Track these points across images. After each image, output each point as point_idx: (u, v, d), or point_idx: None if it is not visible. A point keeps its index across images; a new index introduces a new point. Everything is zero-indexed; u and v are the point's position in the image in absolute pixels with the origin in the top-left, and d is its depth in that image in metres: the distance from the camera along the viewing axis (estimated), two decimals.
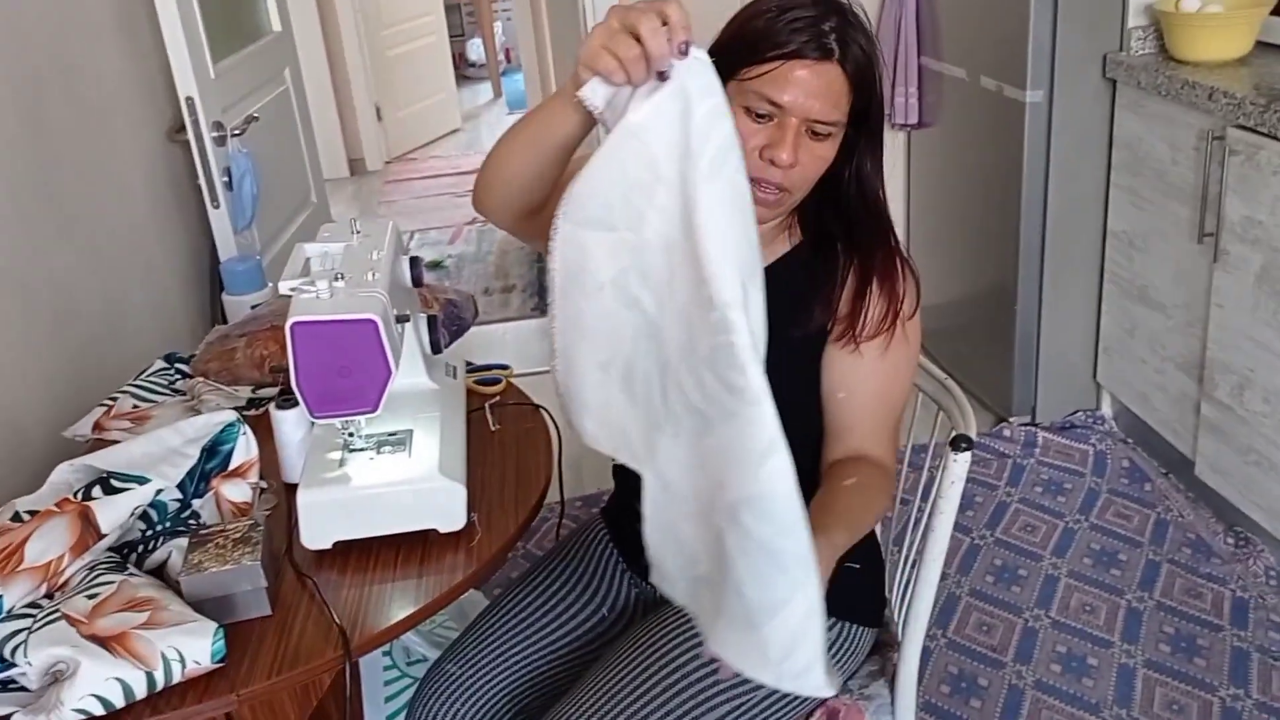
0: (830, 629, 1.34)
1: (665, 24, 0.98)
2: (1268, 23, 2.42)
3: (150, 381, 1.75)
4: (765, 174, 1.23)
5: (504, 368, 1.77)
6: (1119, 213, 2.65)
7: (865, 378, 1.29)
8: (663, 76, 0.99)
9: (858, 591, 1.40)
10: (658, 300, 1.03)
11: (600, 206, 1.04)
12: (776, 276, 1.34)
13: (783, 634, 0.96)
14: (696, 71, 0.99)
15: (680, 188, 0.98)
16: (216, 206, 2.48)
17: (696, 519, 1.03)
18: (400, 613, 1.25)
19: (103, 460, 1.31)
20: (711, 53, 1.27)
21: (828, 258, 1.32)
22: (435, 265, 4.63)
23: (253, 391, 1.74)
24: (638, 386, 1.07)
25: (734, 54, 1.23)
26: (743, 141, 1.22)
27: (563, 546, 1.58)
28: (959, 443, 1.26)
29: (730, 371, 0.95)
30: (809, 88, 1.19)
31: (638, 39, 0.98)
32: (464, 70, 8.23)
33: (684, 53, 0.98)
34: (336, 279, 1.29)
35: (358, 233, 1.48)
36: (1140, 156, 2.53)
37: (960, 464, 1.26)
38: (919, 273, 1.34)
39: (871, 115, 1.27)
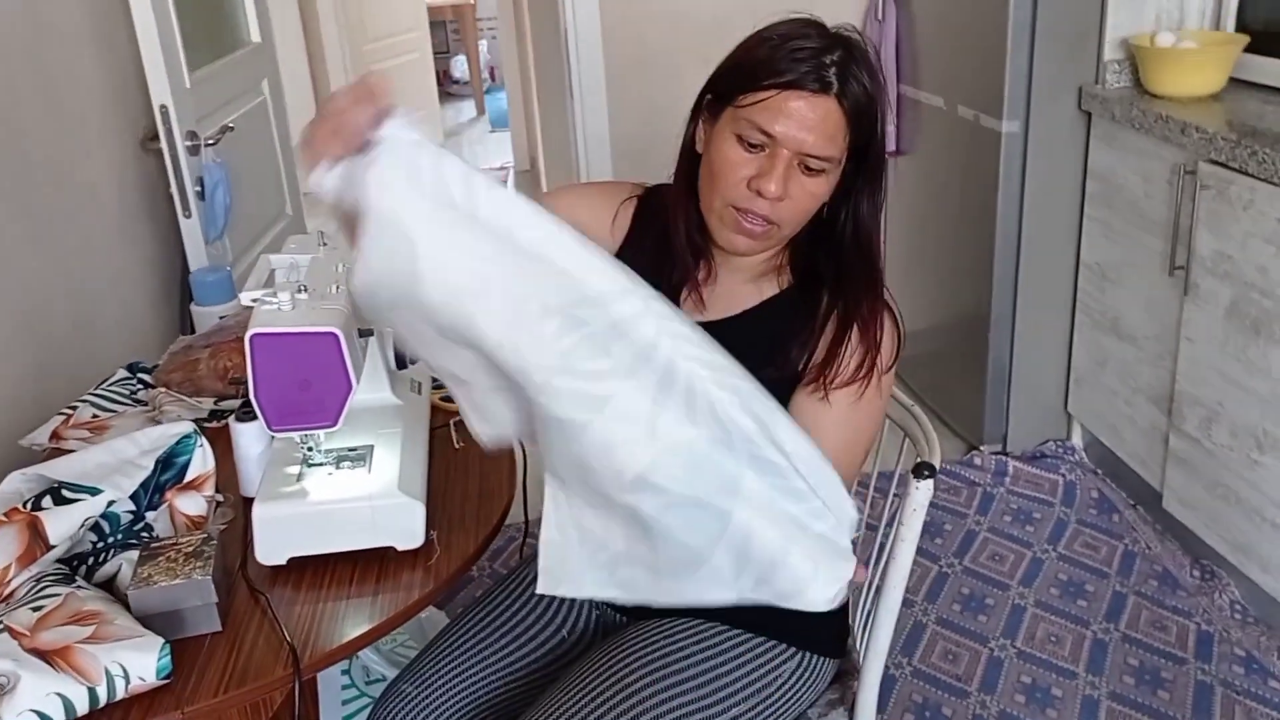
0: (790, 659, 1.33)
1: (363, 99, 0.99)
2: (1241, 60, 2.44)
3: (111, 391, 1.73)
4: (752, 205, 1.21)
5: None
6: (1092, 244, 2.67)
7: (832, 427, 1.24)
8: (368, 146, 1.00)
9: (819, 622, 1.38)
10: (485, 339, 1.03)
11: (386, 290, 1.04)
12: (760, 317, 1.33)
13: (730, 554, 1.02)
14: (401, 128, 1.00)
15: (473, 229, 1.00)
16: (188, 216, 2.46)
17: (599, 508, 1.07)
18: (354, 631, 1.23)
19: (55, 470, 1.29)
20: (712, 78, 1.28)
21: (812, 302, 1.29)
22: None
23: (215, 403, 1.72)
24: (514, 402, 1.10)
25: (733, 81, 1.22)
26: (732, 170, 1.21)
27: (524, 567, 1.56)
28: (921, 470, 1.25)
29: (590, 362, 0.98)
30: (803, 120, 1.17)
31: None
32: (448, 87, 8.24)
33: (382, 120, 0.99)
34: (300, 291, 1.28)
35: (325, 244, 1.47)
36: (1114, 188, 2.55)
37: (922, 492, 1.25)
38: (904, 326, 1.30)
39: (871, 154, 1.24)
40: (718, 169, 1.23)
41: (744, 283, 1.33)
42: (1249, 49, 2.43)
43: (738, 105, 1.20)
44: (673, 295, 1.32)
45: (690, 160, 1.31)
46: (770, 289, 1.33)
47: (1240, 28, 2.51)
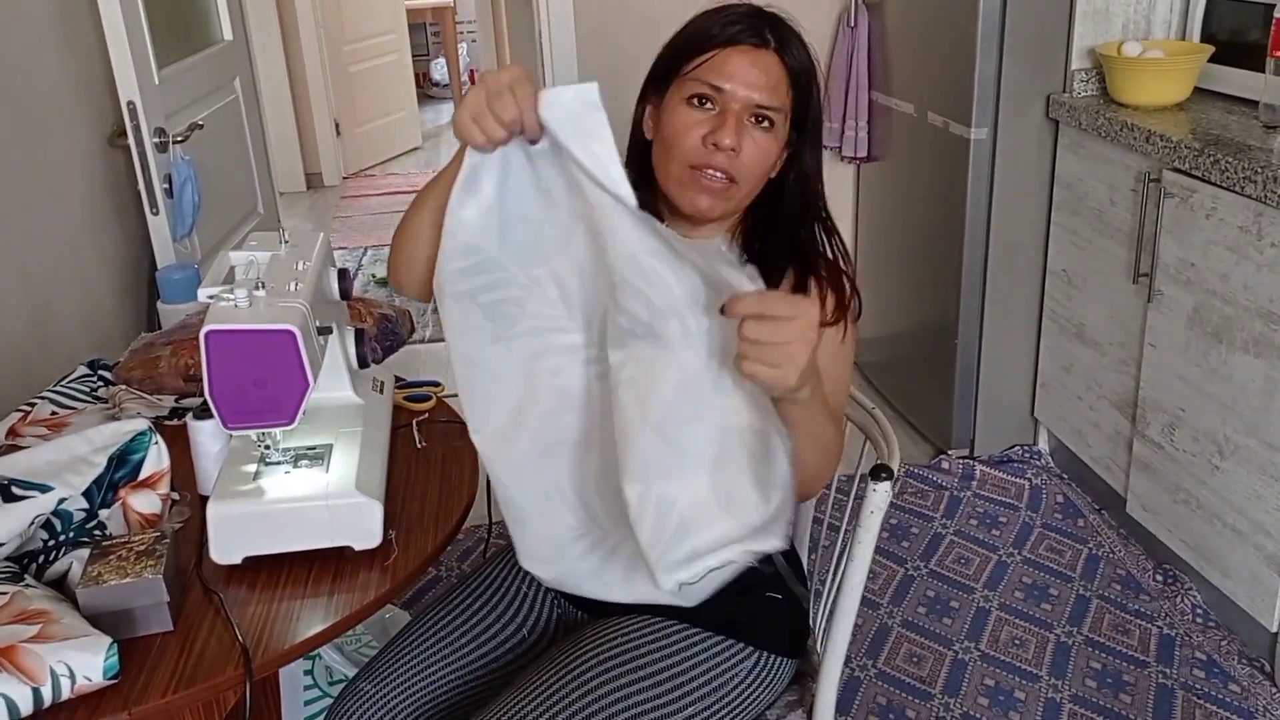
0: (747, 658, 1.32)
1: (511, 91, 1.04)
2: (1206, 69, 2.45)
3: (71, 387, 1.70)
4: (710, 159, 1.25)
5: (435, 384, 1.74)
6: (1059, 251, 2.67)
7: (828, 361, 1.23)
8: (534, 142, 1.06)
9: (779, 622, 1.37)
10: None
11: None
12: None
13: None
14: (563, 118, 1.04)
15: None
16: (155, 214, 2.43)
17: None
18: (308, 631, 1.21)
19: (4, 466, 1.26)
20: (655, 64, 1.32)
21: (768, 279, 1.30)
22: (385, 282, 4.58)
23: (176, 401, 1.69)
24: None
25: (676, 56, 1.29)
26: (687, 131, 1.26)
27: (488, 565, 1.54)
28: (879, 472, 1.24)
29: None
30: (748, 72, 1.24)
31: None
32: (427, 89, 8.21)
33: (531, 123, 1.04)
34: (258, 288, 1.26)
35: (286, 242, 1.45)
36: (1080, 196, 2.55)
37: (880, 494, 1.24)
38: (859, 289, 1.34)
39: (810, 119, 1.31)
40: (672, 135, 1.27)
41: None
42: (1214, 59, 2.44)
43: (684, 74, 1.27)
44: None
45: (638, 151, 1.35)
46: None
47: (1205, 38, 2.52)
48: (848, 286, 1.31)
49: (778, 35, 1.26)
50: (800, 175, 1.33)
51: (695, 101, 1.25)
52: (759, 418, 1.04)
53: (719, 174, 1.25)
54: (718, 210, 1.29)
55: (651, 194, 1.33)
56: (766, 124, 1.26)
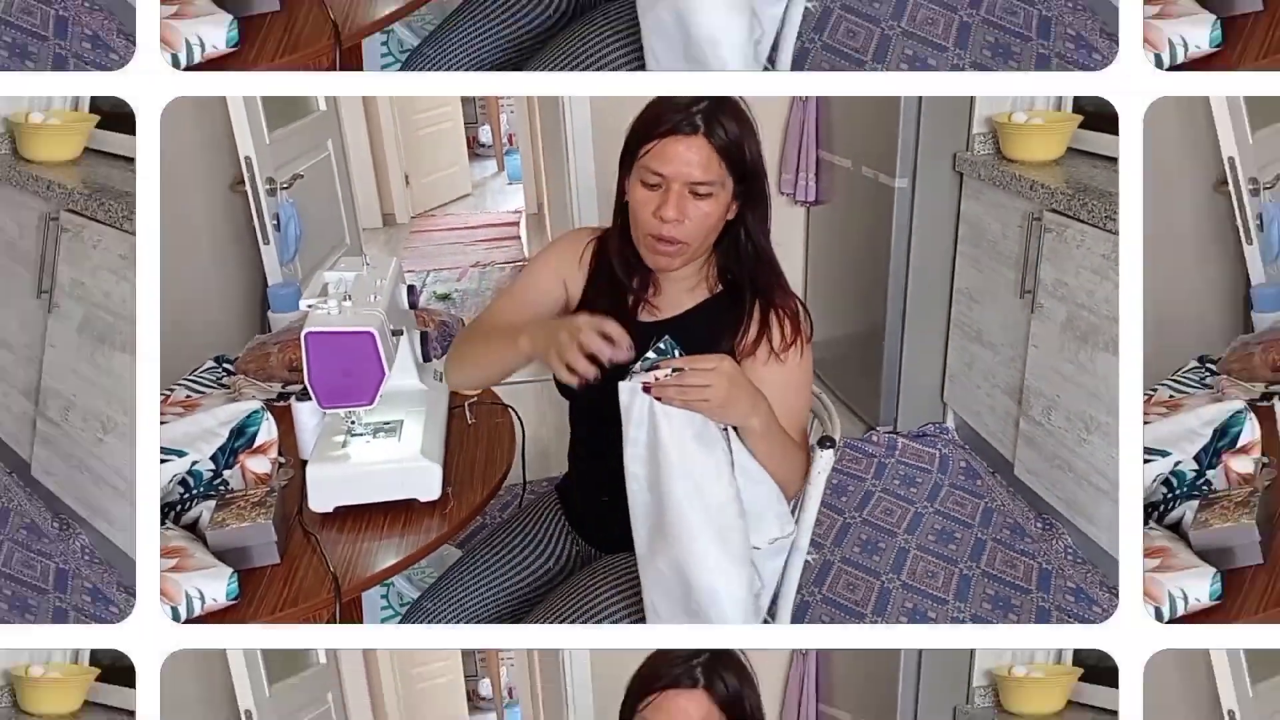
0: None
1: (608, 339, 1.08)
2: (1077, 134, 2.44)
3: (201, 377, 1.71)
4: (660, 230, 1.22)
5: None
6: (963, 274, 2.66)
7: (793, 388, 1.26)
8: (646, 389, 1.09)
9: None
10: None
11: None
12: (696, 315, 1.33)
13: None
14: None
15: None
16: (266, 244, 2.43)
17: None
18: (383, 563, 1.22)
19: None
20: (625, 140, 1.27)
21: (738, 303, 1.31)
22: (445, 297, 4.56)
23: (283, 387, 1.70)
24: None
25: (634, 140, 1.25)
26: (642, 207, 1.23)
27: (521, 514, 1.54)
28: (824, 442, 1.24)
29: None
30: (683, 159, 1.20)
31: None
32: (475, 149, 8.17)
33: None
34: (345, 299, 1.26)
35: (368, 264, 1.46)
36: (979, 231, 2.55)
37: (825, 459, 1.24)
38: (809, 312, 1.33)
39: (748, 179, 1.26)
40: (633, 210, 1.25)
41: (682, 291, 1.35)
42: (1083, 125, 2.43)
43: (638, 158, 1.23)
44: (633, 307, 1.33)
45: (622, 209, 1.32)
46: (702, 294, 1.34)
47: (1076, 109, 2.51)
48: (801, 312, 1.30)
49: (707, 119, 1.20)
50: (748, 231, 1.29)
51: (646, 185, 1.23)
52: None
53: (669, 240, 1.23)
54: (676, 264, 1.27)
55: (634, 250, 1.31)
56: (707, 194, 1.22)
